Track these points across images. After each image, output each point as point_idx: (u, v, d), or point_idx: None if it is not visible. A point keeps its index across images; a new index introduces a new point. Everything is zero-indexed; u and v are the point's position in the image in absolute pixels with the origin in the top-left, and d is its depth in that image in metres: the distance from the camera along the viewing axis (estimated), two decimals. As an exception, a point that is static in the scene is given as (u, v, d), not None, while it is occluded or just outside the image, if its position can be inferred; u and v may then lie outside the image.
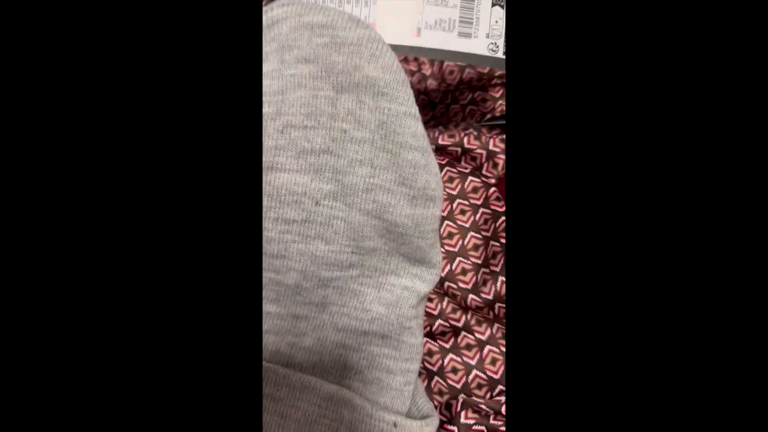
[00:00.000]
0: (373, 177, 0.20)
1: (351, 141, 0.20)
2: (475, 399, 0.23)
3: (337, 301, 0.21)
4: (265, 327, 0.21)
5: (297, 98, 0.20)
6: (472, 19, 0.26)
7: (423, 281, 0.22)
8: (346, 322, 0.21)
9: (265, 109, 0.21)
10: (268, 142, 0.20)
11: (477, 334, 0.25)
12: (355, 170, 0.20)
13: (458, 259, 0.27)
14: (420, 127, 0.21)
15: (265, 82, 0.21)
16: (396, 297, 0.21)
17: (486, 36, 0.26)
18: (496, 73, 0.28)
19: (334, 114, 0.20)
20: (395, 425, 0.19)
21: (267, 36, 0.21)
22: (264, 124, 0.21)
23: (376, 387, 0.20)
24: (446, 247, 0.27)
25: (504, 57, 0.27)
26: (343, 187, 0.21)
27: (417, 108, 0.21)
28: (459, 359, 0.25)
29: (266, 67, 0.21)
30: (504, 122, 0.29)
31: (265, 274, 0.21)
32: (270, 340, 0.21)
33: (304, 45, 0.20)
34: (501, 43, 0.27)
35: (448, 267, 0.26)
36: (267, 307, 0.21)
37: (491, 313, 0.25)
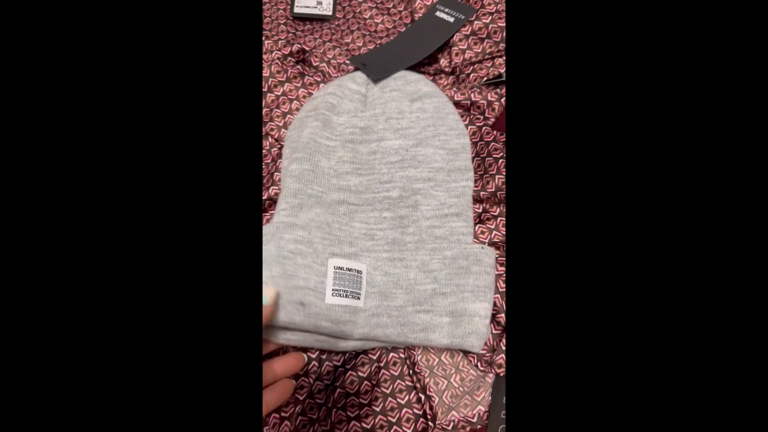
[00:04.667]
0: (437, 132, 0.39)
1: (426, 127, 0.40)
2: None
3: (423, 203, 0.39)
4: (384, 226, 0.39)
5: (392, 107, 0.40)
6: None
7: (472, 181, 0.40)
8: (431, 213, 0.39)
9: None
10: (384, 134, 0.40)
11: (491, 213, 0.43)
12: (427, 132, 0.39)
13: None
14: (458, 117, 0.42)
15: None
16: (460, 191, 0.39)
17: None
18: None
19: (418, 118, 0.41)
20: (482, 248, 0.37)
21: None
22: (388, 123, 0.40)
23: (456, 243, 0.38)
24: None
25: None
26: (420, 141, 0.39)
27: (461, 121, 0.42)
28: (484, 226, 0.43)
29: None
30: (497, 80, 0.45)
31: (378, 194, 0.39)
32: (388, 233, 0.39)
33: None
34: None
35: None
36: (383, 214, 0.39)
37: (496, 198, 0.43)
